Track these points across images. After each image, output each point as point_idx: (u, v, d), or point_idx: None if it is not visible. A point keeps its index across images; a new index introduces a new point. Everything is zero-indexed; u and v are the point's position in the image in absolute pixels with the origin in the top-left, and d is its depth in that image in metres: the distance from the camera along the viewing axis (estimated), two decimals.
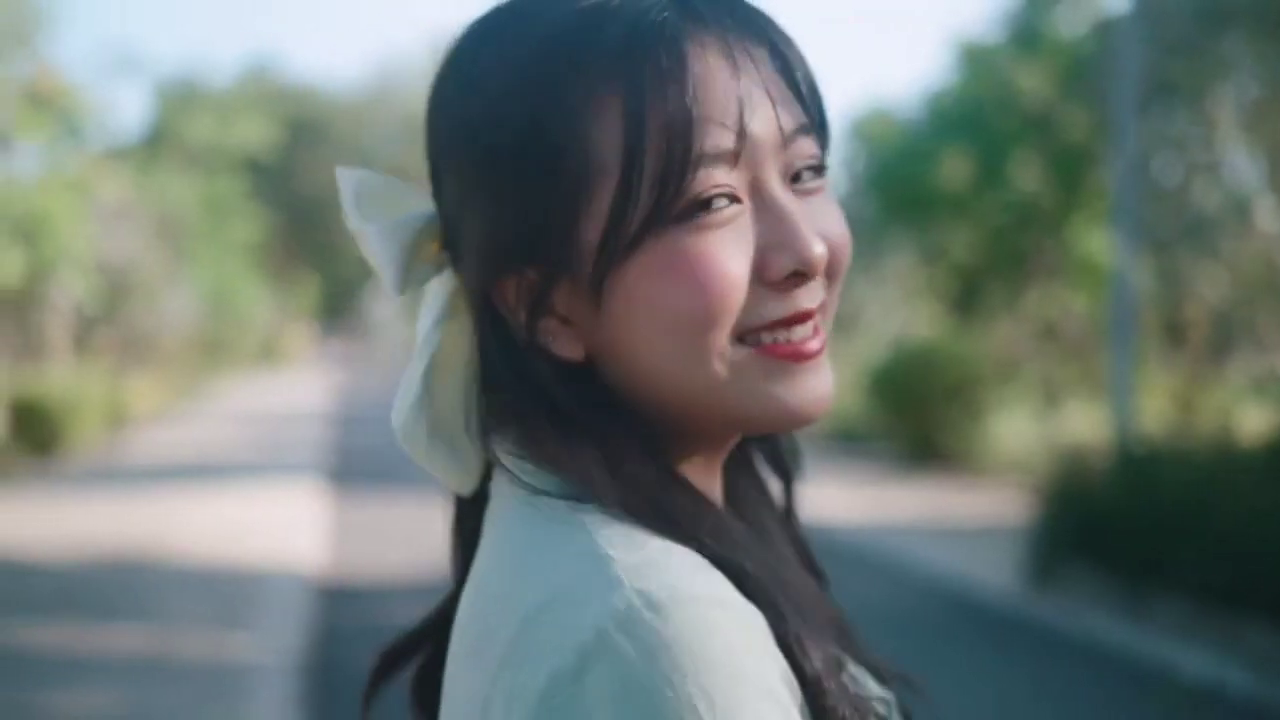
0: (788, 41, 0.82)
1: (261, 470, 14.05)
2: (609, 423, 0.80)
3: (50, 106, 18.95)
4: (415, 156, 0.94)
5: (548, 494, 0.77)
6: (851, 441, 15.49)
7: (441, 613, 0.91)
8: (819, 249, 0.78)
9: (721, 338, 0.77)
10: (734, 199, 0.77)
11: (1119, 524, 7.26)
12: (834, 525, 10.35)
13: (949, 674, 6.27)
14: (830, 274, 0.82)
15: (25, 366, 20.72)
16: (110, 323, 25.67)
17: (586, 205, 0.76)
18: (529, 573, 0.74)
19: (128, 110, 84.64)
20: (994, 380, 13.52)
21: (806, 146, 0.81)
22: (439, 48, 0.87)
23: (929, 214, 15.13)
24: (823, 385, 0.81)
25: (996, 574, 8.25)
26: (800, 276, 0.79)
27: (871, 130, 18.18)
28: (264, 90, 49.29)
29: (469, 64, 0.82)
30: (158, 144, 34.66)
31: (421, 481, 0.92)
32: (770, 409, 0.80)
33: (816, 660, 0.72)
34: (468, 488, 0.88)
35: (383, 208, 0.86)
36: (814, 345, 0.80)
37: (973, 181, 14.47)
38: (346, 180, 0.86)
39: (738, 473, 0.96)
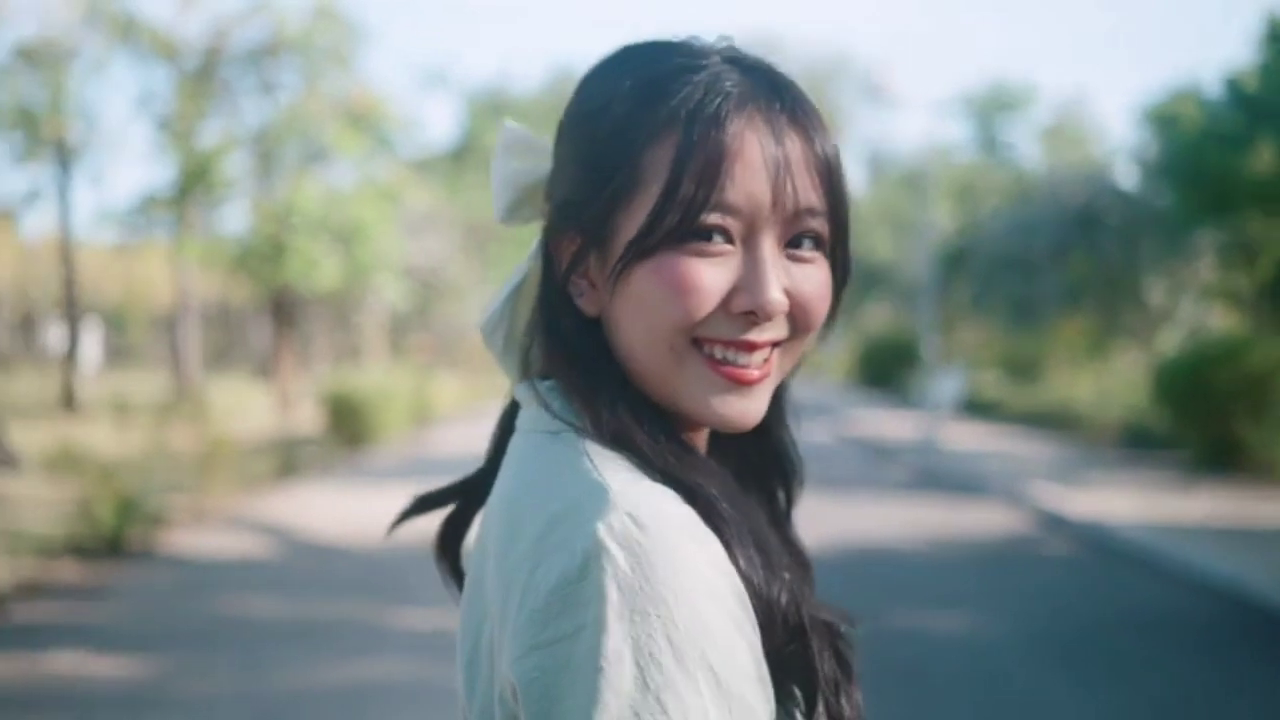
0: (823, 132, 1.02)
1: None
2: (611, 373, 1.04)
3: (364, 122, 20.23)
4: None
5: (571, 425, 1.00)
6: (1143, 448, 14.83)
7: (469, 480, 1.19)
8: (774, 297, 0.98)
9: (680, 338, 1.00)
10: (729, 240, 0.99)
11: None
12: (1121, 528, 9.99)
13: (1239, 683, 6.00)
14: (798, 325, 1.03)
15: (346, 365, 22.16)
16: (421, 325, 27.12)
17: (626, 206, 1.00)
18: (550, 490, 0.96)
19: (437, 123, 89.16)
20: None
21: (809, 222, 1.01)
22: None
23: (1235, 205, 14.25)
24: (750, 407, 1.02)
25: None
26: (754, 315, 0.99)
27: (1173, 114, 17.22)
28: (565, 97, 50.85)
29: (592, 79, 1.08)
30: (466, 154, 36.27)
31: None
32: (701, 408, 1.01)
33: (757, 576, 0.94)
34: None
35: (523, 158, 1.12)
36: (754, 374, 1.01)
37: None
38: (507, 132, 1.12)
39: (744, 474, 1.18)
